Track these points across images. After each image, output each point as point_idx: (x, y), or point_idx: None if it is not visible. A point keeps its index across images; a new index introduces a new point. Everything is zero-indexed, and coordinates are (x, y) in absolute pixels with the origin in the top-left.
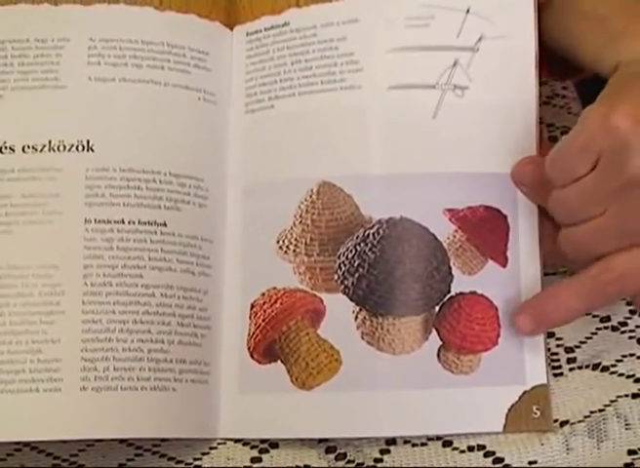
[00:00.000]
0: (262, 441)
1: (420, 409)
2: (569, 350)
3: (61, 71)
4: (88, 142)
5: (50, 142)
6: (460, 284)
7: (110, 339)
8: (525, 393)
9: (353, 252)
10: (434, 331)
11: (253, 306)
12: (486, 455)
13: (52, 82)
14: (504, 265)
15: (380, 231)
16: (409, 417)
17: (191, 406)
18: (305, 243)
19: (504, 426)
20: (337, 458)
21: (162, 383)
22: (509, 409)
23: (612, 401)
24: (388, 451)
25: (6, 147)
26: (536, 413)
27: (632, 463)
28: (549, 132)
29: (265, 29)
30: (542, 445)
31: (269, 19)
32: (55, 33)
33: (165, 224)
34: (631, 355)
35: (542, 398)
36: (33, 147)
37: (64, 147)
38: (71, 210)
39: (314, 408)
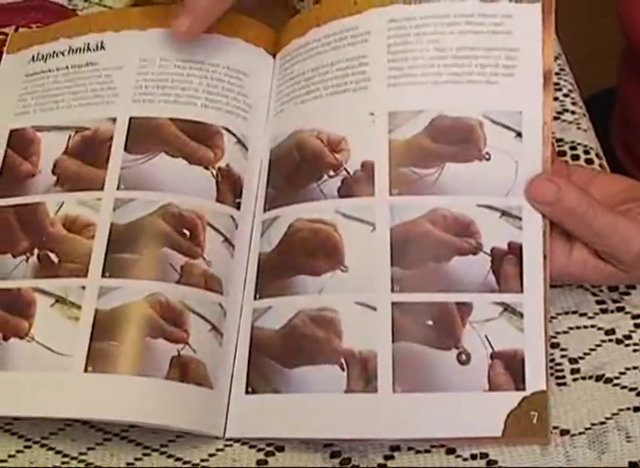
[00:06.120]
0: (269, 444)
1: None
2: (573, 361)
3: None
4: None
5: None
6: None
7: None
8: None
9: None
10: None
11: None
12: (488, 464)
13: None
14: None
15: None
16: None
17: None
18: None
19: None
20: (341, 463)
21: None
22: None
23: (613, 414)
24: (392, 457)
25: None
26: (534, 420)
27: None
28: (558, 147)
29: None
30: (544, 456)
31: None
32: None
33: None
34: (635, 368)
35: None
36: None
37: None
38: None
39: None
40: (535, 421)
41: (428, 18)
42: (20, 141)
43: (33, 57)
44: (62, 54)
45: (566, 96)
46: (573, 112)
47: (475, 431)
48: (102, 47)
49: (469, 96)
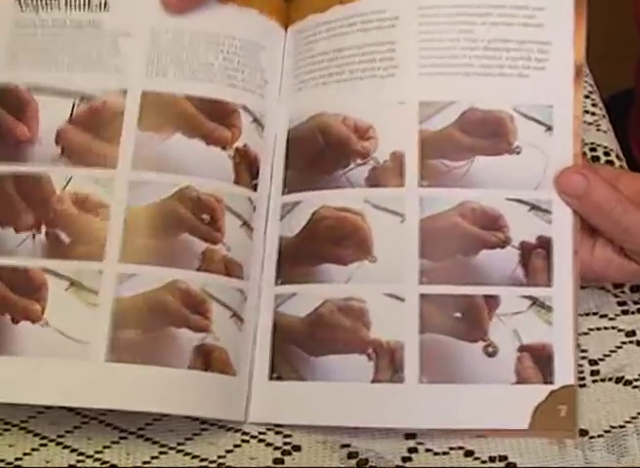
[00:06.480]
0: (286, 443)
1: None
2: (593, 363)
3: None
4: None
5: None
6: None
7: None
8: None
9: None
10: None
11: None
12: (507, 466)
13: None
14: None
15: None
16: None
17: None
18: None
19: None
20: (358, 464)
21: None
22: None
23: (633, 417)
24: (410, 459)
25: None
26: (562, 414)
27: None
28: None
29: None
30: (563, 457)
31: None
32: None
33: None
34: None
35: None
36: None
37: None
38: None
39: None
40: (563, 414)
41: (460, 7)
42: (13, 101)
43: (20, 3)
44: (58, 6)
45: (586, 97)
46: (593, 114)
47: (502, 423)
48: (106, 7)
49: (500, 88)
